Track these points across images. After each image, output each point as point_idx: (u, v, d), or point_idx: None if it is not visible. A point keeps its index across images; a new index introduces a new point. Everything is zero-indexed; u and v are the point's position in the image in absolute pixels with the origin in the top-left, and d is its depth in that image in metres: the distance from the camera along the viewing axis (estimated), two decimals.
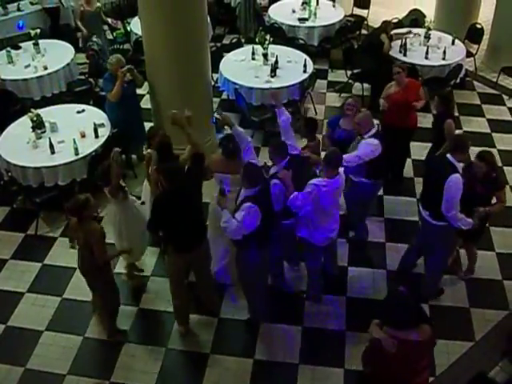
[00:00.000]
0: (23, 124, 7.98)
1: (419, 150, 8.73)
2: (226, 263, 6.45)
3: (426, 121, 8.84)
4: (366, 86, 10.17)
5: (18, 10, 11.07)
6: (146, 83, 8.39)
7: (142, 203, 6.78)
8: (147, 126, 8.65)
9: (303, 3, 11.42)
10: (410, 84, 7.61)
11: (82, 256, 5.70)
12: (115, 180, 6.02)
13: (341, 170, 5.86)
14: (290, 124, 6.29)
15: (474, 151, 8.91)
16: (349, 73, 10.30)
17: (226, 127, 8.80)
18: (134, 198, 6.66)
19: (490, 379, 4.80)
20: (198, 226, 5.78)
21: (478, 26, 11.00)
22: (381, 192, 7.78)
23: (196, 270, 6.14)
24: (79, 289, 6.69)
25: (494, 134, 9.38)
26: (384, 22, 9.70)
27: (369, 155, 6.31)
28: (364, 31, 12.04)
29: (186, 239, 5.67)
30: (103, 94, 8.60)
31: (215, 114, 8.92)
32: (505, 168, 8.62)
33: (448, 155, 5.85)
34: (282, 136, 6.24)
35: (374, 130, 6.47)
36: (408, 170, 8.52)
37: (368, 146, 6.32)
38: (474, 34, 10.99)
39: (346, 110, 6.89)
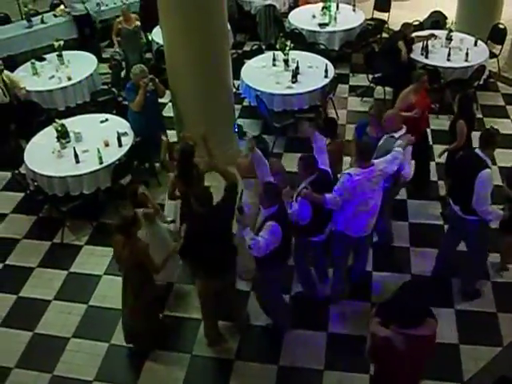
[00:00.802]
0: (48, 134, 8.10)
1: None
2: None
3: (440, 122, 8.76)
4: (388, 89, 10.11)
5: (42, 22, 11.22)
6: (167, 92, 8.46)
7: (172, 221, 6.83)
8: (170, 133, 8.78)
9: (323, 8, 11.41)
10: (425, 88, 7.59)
11: (132, 276, 5.67)
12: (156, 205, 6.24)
13: (376, 161, 5.84)
14: (325, 149, 6.19)
15: (497, 153, 8.86)
16: (370, 77, 10.25)
17: (247, 134, 8.93)
18: (166, 223, 6.70)
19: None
20: (228, 252, 5.79)
21: (501, 26, 10.86)
22: (404, 195, 7.74)
23: (225, 290, 6.07)
24: (105, 296, 6.79)
25: None
26: (403, 25, 9.64)
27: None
28: (385, 34, 11.96)
29: (217, 265, 5.67)
30: (126, 103, 8.69)
31: (237, 122, 8.98)
32: None
33: (478, 151, 5.91)
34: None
35: (403, 130, 6.40)
36: (432, 173, 8.44)
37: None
38: (496, 35, 10.85)
39: (371, 120, 6.85)
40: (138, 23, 10.17)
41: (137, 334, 6.02)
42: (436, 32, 10.28)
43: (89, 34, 11.42)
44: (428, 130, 8.26)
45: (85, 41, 11.36)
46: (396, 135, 6.36)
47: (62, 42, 9.91)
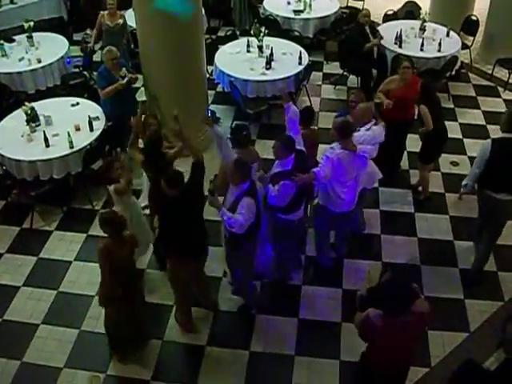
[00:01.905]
0: (17, 117, 7.95)
1: (412, 141, 8.73)
2: None
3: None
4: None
5: (12, 2, 10.98)
6: (140, 76, 8.36)
7: (146, 207, 6.83)
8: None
9: None
10: (411, 80, 7.58)
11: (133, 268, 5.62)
12: (127, 178, 6.07)
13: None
14: (297, 119, 6.26)
15: (468, 143, 9.03)
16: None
17: (221, 121, 8.90)
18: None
19: (478, 365, 4.80)
20: (201, 235, 5.77)
21: (474, 18, 10.99)
22: (376, 184, 7.80)
23: (195, 274, 6.06)
24: (75, 282, 6.73)
25: (489, 126, 9.37)
26: (360, 14, 9.73)
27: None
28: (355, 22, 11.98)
29: (192, 248, 5.65)
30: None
31: (210, 108, 8.93)
32: None
33: (507, 134, 5.95)
34: (288, 131, 6.19)
35: (369, 125, 6.45)
36: (403, 161, 8.53)
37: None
38: (469, 26, 10.99)
39: (351, 107, 6.88)
40: (121, 21, 9.61)
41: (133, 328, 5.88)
42: (410, 22, 10.36)
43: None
44: None
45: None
46: (367, 126, 6.43)
47: (31, 23, 9.71)
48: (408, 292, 4.33)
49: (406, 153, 8.66)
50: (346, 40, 10.28)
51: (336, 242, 6.95)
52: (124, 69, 7.88)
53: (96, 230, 7.08)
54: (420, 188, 7.95)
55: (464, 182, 6.27)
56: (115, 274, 5.35)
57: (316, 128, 6.89)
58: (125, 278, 5.40)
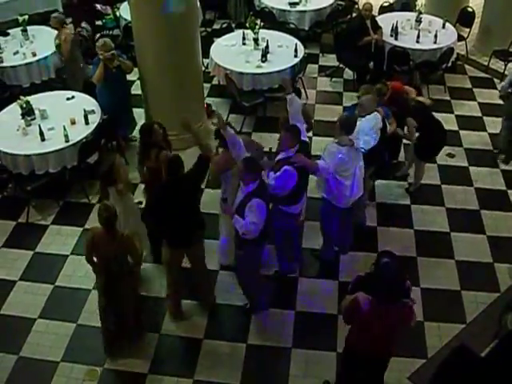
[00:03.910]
0: (12, 111, 7.92)
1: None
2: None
3: None
4: None
5: None
6: (135, 69, 8.34)
7: (140, 202, 6.90)
8: (136, 112, 8.70)
9: None
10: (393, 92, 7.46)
11: (122, 265, 5.47)
12: (126, 179, 6.09)
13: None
14: (300, 111, 6.26)
15: (464, 135, 9.03)
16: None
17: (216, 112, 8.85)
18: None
19: (471, 351, 4.84)
20: (193, 224, 5.77)
21: (470, 10, 10.97)
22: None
23: (191, 263, 6.12)
24: (71, 276, 6.72)
25: (485, 118, 9.38)
26: (363, 7, 9.68)
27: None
28: (355, 15, 11.97)
29: (181, 235, 5.69)
30: (93, 80, 8.53)
31: (206, 101, 8.91)
32: (496, 151, 8.64)
33: None
34: (292, 121, 6.18)
35: (372, 114, 6.49)
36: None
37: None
38: (465, 18, 10.96)
39: (382, 96, 6.91)
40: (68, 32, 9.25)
41: (129, 318, 5.86)
42: (405, 14, 10.35)
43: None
44: None
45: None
46: (363, 119, 6.46)
47: (26, 17, 9.66)
48: (402, 281, 4.35)
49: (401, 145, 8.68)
50: (342, 33, 10.27)
51: (340, 237, 6.89)
52: (113, 51, 7.86)
53: (92, 223, 7.08)
54: (410, 179, 7.93)
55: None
56: (99, 264, 5.43)
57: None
58: (108, 271, 5.42)
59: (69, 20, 10.93)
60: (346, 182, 6.03)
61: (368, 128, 6.37)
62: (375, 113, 6.52)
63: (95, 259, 5.49)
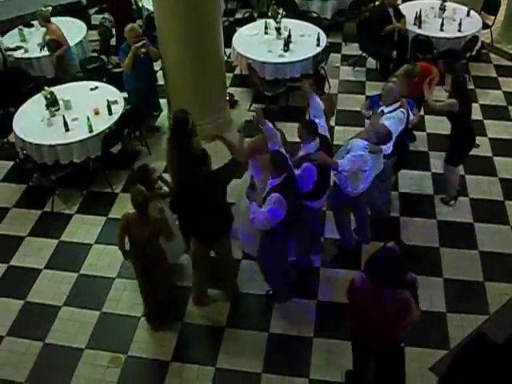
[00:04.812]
0: (37, 102, 8.02)
1: (434, 123, 8.67)
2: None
3: (440, 94, 8.72)
4: None
5: None
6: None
7: None
8: (161, 102, 8.78)
9: None
10: (422, 74, 7.40)
11: (155, 247, 5.57)
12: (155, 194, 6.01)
13: None
14: (323, 111, 6.24)
15: (488, 124, 8.92)
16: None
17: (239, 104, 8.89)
18: None
19: (489, 338, 4.82)
20: (221, 219, 5.82)
21: None
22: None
23: (218, 255, 6.15)
24: (95, 265, 6.81)
25: (510, 107, 9.25)
26: None
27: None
28: (378, 3, 11.85)
29: (209, 231, 5.74)
30: (116, 71, 8.62)
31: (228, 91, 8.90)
32: None
33: None
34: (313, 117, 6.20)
35: (397, 104, 6.42)
36: (422, 143, 8.47)
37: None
38: (490, 5, 10.76)
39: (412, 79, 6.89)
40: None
41: (158, 306, 5.99)
42: (429, 2, 10.22)
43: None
44: None
45: None
46: (385, 110, 6.41)
47: (50, 8, 9.72)
48: (401, 268, 4.36)
49: (425, 134, 8.62)
50: (365, 21, 10.17)
51: (358, 225, 6.93)
52: (145, 40, 7.97)
53: (116, 212, 7.18)
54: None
55: None
56: (133, 251, 5.52)
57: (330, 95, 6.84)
58: (143, 257, 5.51)
59: (93, 11, 11.05)
60: (362, 176, 6.02)
61: (395, 130, 6.24)
62: (402, 110, 6.40)
63: (127, 245, 5.57)
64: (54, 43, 8.81)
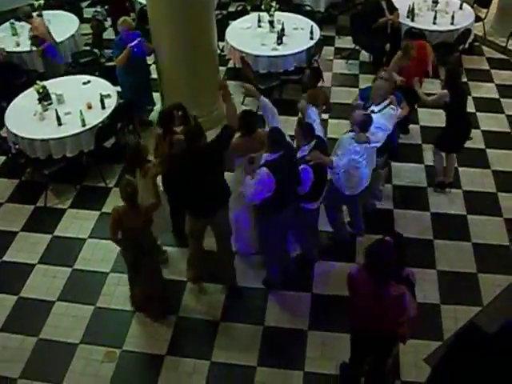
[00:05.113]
0: (29, 96, 7.97)
1: (427, 115, 8.68)
2: (249, 233, 6.48)
3: (434, 87, 8.76)
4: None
5: None
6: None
7: None
8: (154, 96, 8.74)
9: None
10: (418, 53, 7.52)
11: (146, 238, 5.60)
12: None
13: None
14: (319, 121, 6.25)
15: (481, 117, 8.94)
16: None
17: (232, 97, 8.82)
18: None
19: (481, 328, 4.85)
20: (217, 194, 5.75)
21: None
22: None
23: (216, 237, 6.10)
24: (89, 259, 6.79)
25: (502, 100, 9.28)
26: None
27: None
28: None
29: (203, 205, 5.70)
30: (108, 64, 8.58)
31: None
32: None
33: None
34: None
35: (386, 102, 6.42)
36: (416, 136, 8.49)
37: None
38: None
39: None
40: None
41: (152, 299, 6.01)
42: None
43: None
44: None
45: None
46: (376, 109, 6.40)
47: (42, 2, 9.67)
48: (392, 264, 4.37)
49: (418, 127, 8.63)
50: (358, 14, 10.17)
51: (352, 219, 6.94)
52: (139, 38, 7.94)
53: (109, 207, 7.13)
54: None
55: None
56: (125, 243, 5.52)
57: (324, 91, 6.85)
58: (136, 248, 5.51)
59: (85, 4, 10.96)
60: (357, 173, 6.02)
61: (385, 126, 6.27)
62: (393, 107, 6.41)
63: (120, 236, 5.57)
64: (37, 39, 8.72)
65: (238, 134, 5.99)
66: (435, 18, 9.61)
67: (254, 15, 9.94)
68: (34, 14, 9.70)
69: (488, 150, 8.26)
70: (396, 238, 4.79)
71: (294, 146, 6.16)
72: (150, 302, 6.03)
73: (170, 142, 6.10)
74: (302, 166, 5.71)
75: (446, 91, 6.93)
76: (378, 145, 6.22)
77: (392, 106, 6.44)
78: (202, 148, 5.50)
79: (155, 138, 6.36)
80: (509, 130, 8.63)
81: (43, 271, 6.70)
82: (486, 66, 10.20)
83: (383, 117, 6.32)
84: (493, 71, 10.05)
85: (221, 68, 9.22)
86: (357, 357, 5.25)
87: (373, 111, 6.38)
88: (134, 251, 5.58)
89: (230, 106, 5.89)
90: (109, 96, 7.89)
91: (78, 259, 6.81)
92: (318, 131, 5.99)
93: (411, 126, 8.53)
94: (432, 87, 8.84)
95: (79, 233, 7.14)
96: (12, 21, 9.62)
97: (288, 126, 6.79)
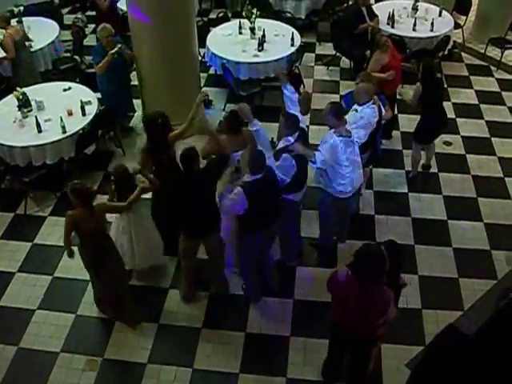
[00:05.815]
0: (9, 103, 7.89)
1: (407, 121, 8.74)
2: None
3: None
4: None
5: None
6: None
7: None
8: (134, 102, 8.71)
9: None
10: (395, 61, 7.81)
11: (102, 237, 5.61)
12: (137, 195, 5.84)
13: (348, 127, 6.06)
14: (296, 98, 6.33)
15: (461, 122, 9.04)
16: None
17: (213, 104, 8.89)
18: None
19: (459, 330, 4.90)
20: (209, 216, 5.82)
21: None
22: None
23: (209, 253, 6.16)
24: (70, 267, 6.70)
25: (481, 106, 9.38)
26: None
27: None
28: (351, 3, 11.92)
29: (197, 227, 5.78)
30: (89, 71, 8.53)
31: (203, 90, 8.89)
32: (493, 139, 8.66)
33: None
34: (288, 108, 6.28)
35: (369, 104, 6.48)
36: (396, 142, 8.55)
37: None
38: (461, 5, 10.94)
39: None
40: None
41: (120, 303, 6.00)
42: (402, 2, 10.32)
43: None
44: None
45: None
46: (359, 108, 6.49)
47: (21, 8, 9.61)
48: (385, 265, 4.39)
49: (399, 133, 8.69)
50: (339, 21, 10.25)
51: (340, 228, 6.94)
52: (119, 45, 7.87)
53: None
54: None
55: None
56: (84, 244, 5.57)
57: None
58: (94, 248, 5.55)
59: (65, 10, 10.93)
60: (342, 170, 6.04)
61: (364, 124, 6.35)
62: (373, 106, 6.48)
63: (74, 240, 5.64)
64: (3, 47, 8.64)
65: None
66: (415, 24, 9.71)
67: (235, 22, 9.97)
68: (14, 20, 9.66)
69: (468, 156, 8.34)
70: (390, 245, 4.80)
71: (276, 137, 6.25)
72: (119, 306, 5.98)
73: (159, 161, 6.07)
74: (284, 155, 5.77)
75: (418, 83, 7.15)
76: (361, 141, 6.26)
77: (373, 104, 6.50)
78: (197, 173, 5.57)
79: (141, 158, 6.21)
80: (488, 136, 8.73)
81: (23, 279, 6.63)
82: (465, 73, 10.32)
83: (365, 120, 6.38)
84: (472, 77, 10.17)
85: (202, 74, 9.21)
86: (334, 352, 5.26)
87: (356, 110, 6.45)
88: (95, 253, 5.59)
89: (216, 137, 6.04)
90: (89, 103, 7.85)
91: (58, 267, 6.75)
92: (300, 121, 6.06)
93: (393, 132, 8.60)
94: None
95: (59, 240, 7.01)
96: None
97: (270, 131, 6.80)
